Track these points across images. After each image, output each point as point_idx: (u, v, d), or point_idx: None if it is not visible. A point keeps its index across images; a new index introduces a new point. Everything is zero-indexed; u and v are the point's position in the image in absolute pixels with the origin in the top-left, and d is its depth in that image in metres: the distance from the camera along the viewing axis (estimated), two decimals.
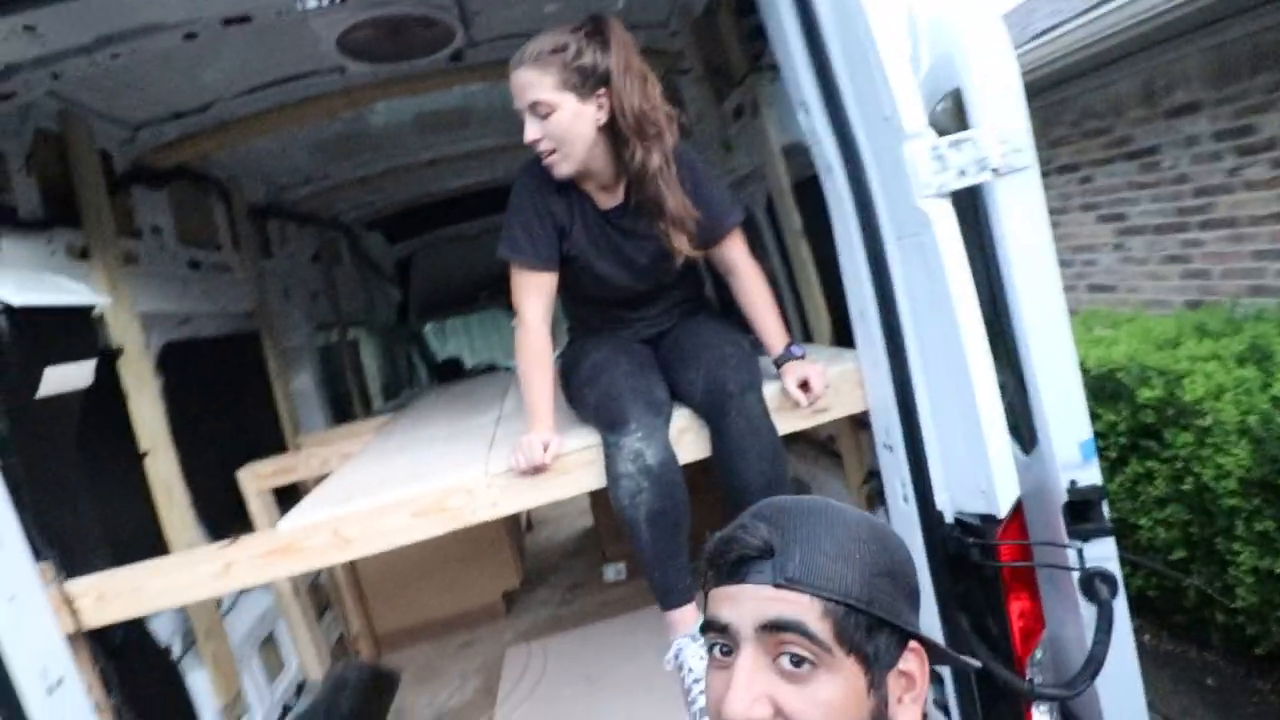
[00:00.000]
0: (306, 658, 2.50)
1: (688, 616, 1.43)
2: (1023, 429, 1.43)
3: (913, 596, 0.67)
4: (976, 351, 1.24)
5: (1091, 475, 1.37)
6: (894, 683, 0.63)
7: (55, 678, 1.25)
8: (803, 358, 1.51)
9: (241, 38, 1.68)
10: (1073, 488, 1.36)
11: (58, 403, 1.47)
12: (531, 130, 1.36)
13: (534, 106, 1.35)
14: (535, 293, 1.49)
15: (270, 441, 2.72)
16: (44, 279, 1.53)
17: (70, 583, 1.33)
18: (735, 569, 0.63)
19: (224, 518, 2.27)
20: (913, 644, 0.65)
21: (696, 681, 1.38)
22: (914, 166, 1.21)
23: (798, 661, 0.59)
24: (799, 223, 1.79)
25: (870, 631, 0.61)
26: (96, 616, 1.34)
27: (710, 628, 0.64)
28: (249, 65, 1.88)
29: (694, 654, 1.40)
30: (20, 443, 1.34)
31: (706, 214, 1.46)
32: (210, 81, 1.92)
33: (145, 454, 1.84)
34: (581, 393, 1.53)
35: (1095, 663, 1.27)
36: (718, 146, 2.18)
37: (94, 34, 1.35)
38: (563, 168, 1.40)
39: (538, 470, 1.39)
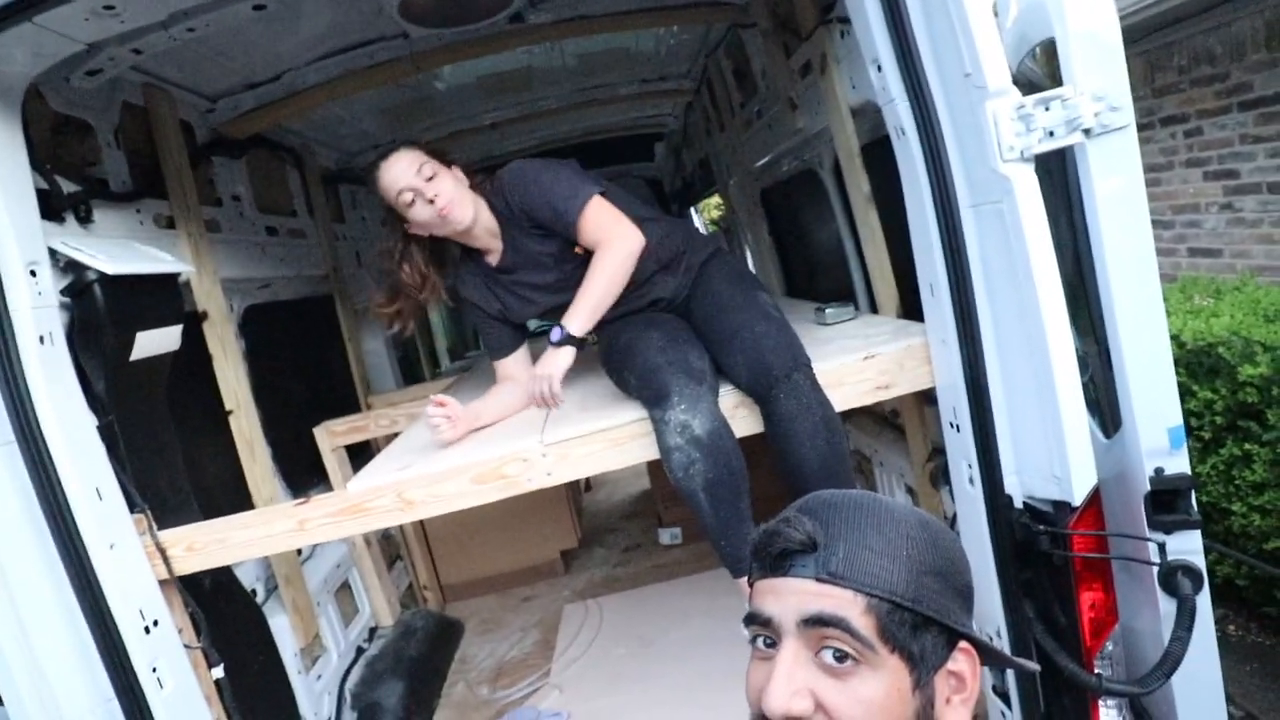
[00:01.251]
0: (378, 604, 2.65)
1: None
2: (1104, 410, 1.34)
3: (965, 596, 0.65)
4: (1056, 329, 1.16)
5: (1179, 464, 1.28)
6: (942, 683, 0.62)
7: (151, 619, 1.36)
8: (557, 344, 1.55)
9: (308, 7, 1.71)
10: (1158, 476, 1.27)
11: (149, 365, 1.57)
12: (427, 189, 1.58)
13: (420, 170, 1.57)
14: (501, 372, 1.80)
15: (344, 400, 2.85)
16: (134, 248, 1.62)
17: (163, 533, 1.44)
18: (779, 562, 0.62)
19: (301, 472, 2.41)
20: (963, 644, 0.63)
21: None
22: (996, 127, 1.12)
23: (840, 657, 0.58)
24: (867, 188, 1.70)
25: (916, 630, 0.59)
26: (186, 565, 1.45)
27: (753, 620, 0.63)
28: (316, 34, 1.91)
29: None
30: (117, 403, 1.45)
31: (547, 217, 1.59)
32: (281, 51, 1.96)
33: (230, 412, 1.96)
34: (622, 375, 1.55)
35: (1171, 661, 1.20)
36: (782, 105, 2.09)
37: (168, 10, 1.39)
38: (461, 210, 1.59)
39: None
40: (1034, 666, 0.77)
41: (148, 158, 1.82)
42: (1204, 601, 1.27)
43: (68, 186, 1.49)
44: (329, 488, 2.49)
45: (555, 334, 1.56)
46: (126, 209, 1.69)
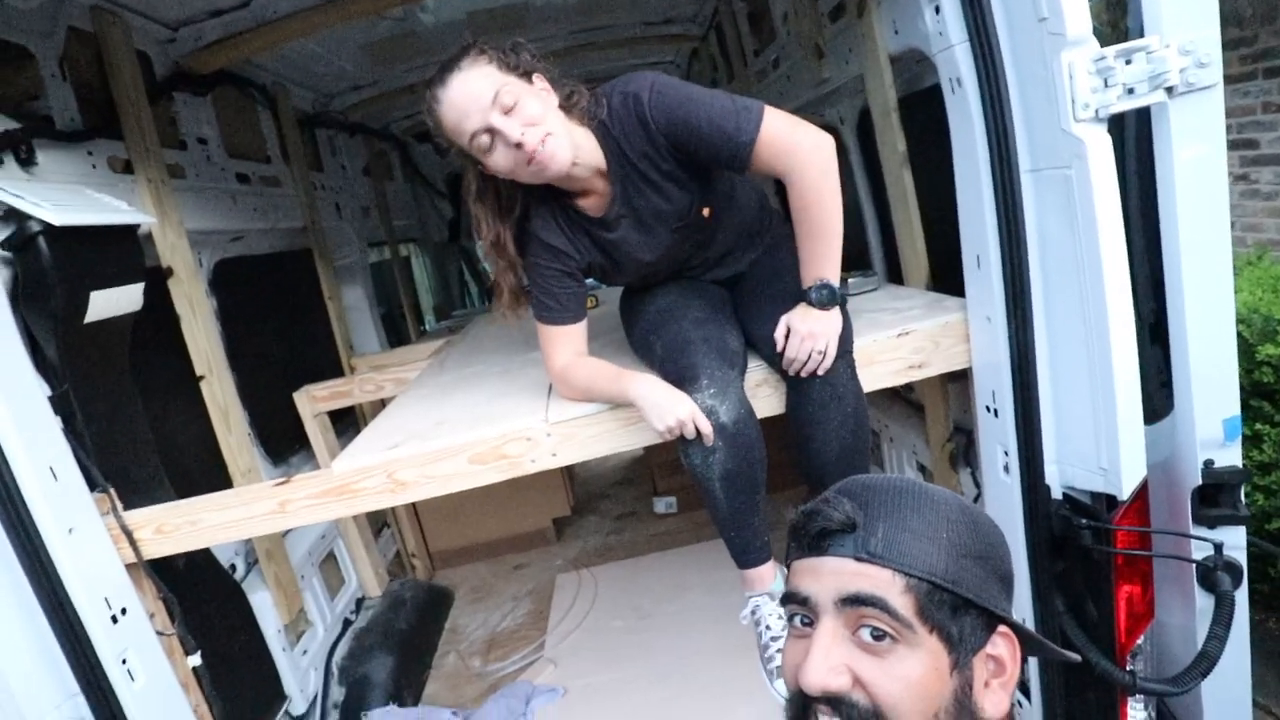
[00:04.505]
0: (365, 575, 2.56)
1: (765, 574, 1.34)
2: (1153, 397, 1.25)
3: (1005, 582, 0.65)
4: (1120, 312, 1.06)
5: (1232, 456, 1.20)
6: (981, 666, 0.62)
7: (119, 607, 1.25)
8: (823, 307, 1.23)
9: None
10: (1208, 469, 1.20)
11: (108, 327, 1.41)
12: (510, 129, 1.14)
13: (497, 99, 1.14)
14: (564, 342, 1.34)
15: (325, 362, 2.70)
16: (86, 195, 1.44)
17: (129, 514, 1.31)
18: (817, 542, 0.62)
19: (281, 440, 2.27)
20: (1003, 629, 0.63)
21: (774, 639, 1.32)
22: (1071, 81, 0.99)
23: (878, 635, 0.58)
24: (902, 146, 1.56)
25: (955, 611, 0.59)
26: (156, 548, 1.33)
27: (791, 599, 0.64)
28: None
29: (771, 612, 1.35)
30: (71, 370, 1.30)
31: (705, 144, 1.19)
32: None
33: (201, 378, 1.81)
34: (647, 340, 1.39)
35: (1208, 661, 1.15)
36: (806, 53, 1.92)
37: None
38: (559, 154, 1.17)
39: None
40: (1075, 658, 0.74)
41: (99, 92, 1.62)
42: (1240, 598, 1.21)
43: (4, 124, 1.31)
44: (311, 455, 2.36)
45: (819, 294, 1.22)
46: (76, 150, 1.51)
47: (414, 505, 3.02)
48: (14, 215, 1.22)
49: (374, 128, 3.46)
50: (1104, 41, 1.02)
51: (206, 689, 1.43)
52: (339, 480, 1.31)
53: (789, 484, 2.60)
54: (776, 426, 1.34)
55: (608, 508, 3.48)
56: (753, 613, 1.35)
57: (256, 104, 2.44)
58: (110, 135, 1.61)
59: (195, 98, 2.04)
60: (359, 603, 2.51)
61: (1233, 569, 1.21)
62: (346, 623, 2.38)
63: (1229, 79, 3.36)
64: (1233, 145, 3.44)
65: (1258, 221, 3.40)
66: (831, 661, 0.58)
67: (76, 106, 1.54)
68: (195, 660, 1.41)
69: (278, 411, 2.26)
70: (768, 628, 1.32)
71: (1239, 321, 2.20)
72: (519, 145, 1.14)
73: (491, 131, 1.15)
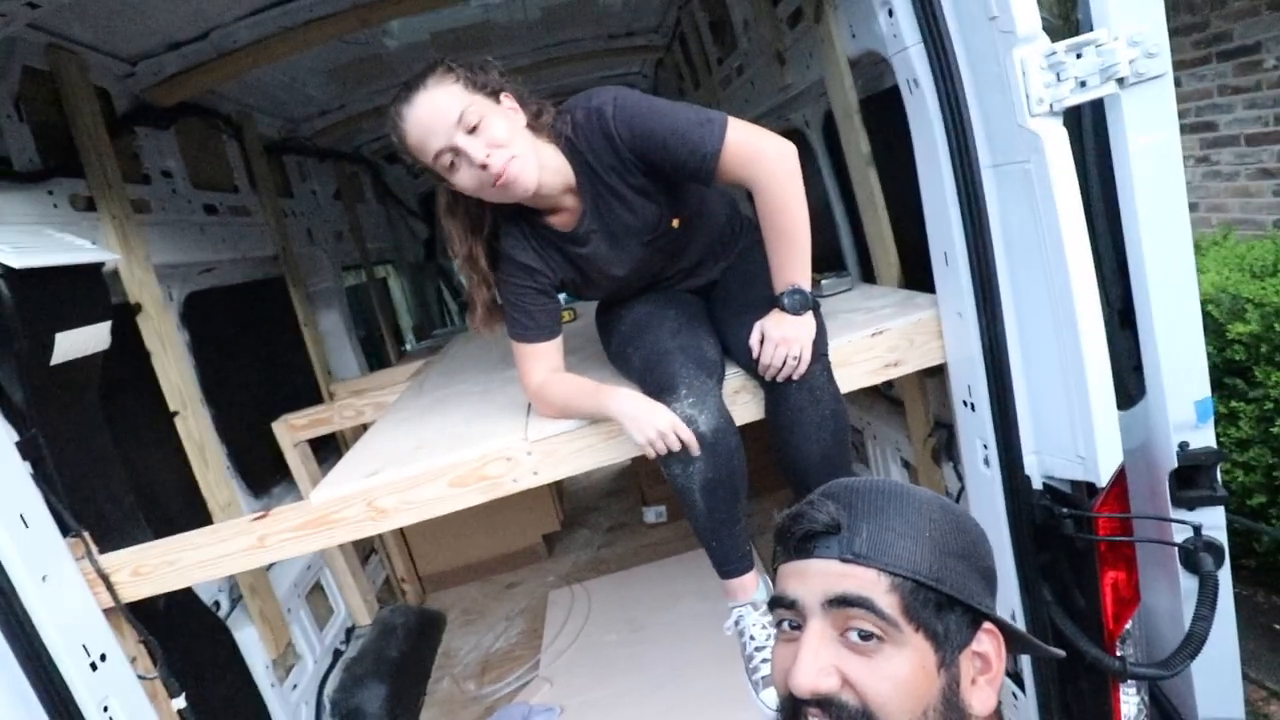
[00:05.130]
0: (353, 603, 2.52)
1: (747, 583, 1.34)
2: (1125, 383, 1.26)
3: (988, 579, 0.65)
4: (1086, 301, 1.07)
5: (1205, 437, 1.22)
6: (967, 663, 0.62)
7: (98, 654, 1.22)
8: (796, 313, 1.22)
9: None
10: (1184, 451, 1.21)
11: (76, 368, 1.39)
12: (475, 150, 1.13)
13: (462, 119, 1.12)
14: (539, 359, 1.33)
15: (303, 390, 2.67)
16: (47, 236, 1.42)
17: (104, 557, 1.28)
18: (802, 545, 0.62)
19: (262, 471, 2.24)
20: (988, 626, 0.63)
21: (759, 649, 1.31)
22: (1025, 77, 1.01)
23: (865, 636, 0.58)
24: (867, 147, 1.57)
25: (940, 609, 0.60)
26: (134, 591, 1.30)
27: (778, 603, 0.64)
28: None
29: (754, 622, 1.34)
30: (38, 414, 1.27)
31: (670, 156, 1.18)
32: (206, 6, 1.74)
33: (175, 414, 1.78)
34: (624, 351, 1.39)
35: (1196, 642, 1.16)
36: (767, 59, 1.94)
37: None
38: (525, 176, 1.16)
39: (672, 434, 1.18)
40: (1059, 653, 0.73)
41: (58, 130, 1.60)
42: (1224, 577, 1.23)
43: None
44: (294, 486, 2.33)
45: (791, 299, 1.22)
46: (35, 191, 1.48)
47: (401, 529, 2.99)
48: None
49: (343, 151, 3.44)
50: (1058, 35, 1.04)
51: None
52: (318, 511, 1.29)
53: (774, 487, 2.60)
54: (759, 430, 1.34)
55: (597, 520, 3.46)
56: (736, 623, 1.35)
57: (222, 134, 2.41)
58: (71, 174, 1.59)
59: (158, 131, 2.01)
60: (349, 632, 2.47)
61: (1214, 549, 1.23)
62: (337, 654, 2.34)
63: (1184, 64, 3.44)
64: (1192, 129, 3.51)
65: (1221, 202, 3.47)
66: (820, 663, 0.58)
67: (35, 146, 1.52)
68: (180, 703, 1.38)
69: (257, 443, 2.23)
70: (752, 638, 1.31)
71: (1208, 302, 2.25)
72: (484, 167, 1.13)
73: (456, 151, 1.13)
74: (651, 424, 1.18)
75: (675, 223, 1.33)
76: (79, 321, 1.38)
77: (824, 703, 0.58)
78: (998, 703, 0.65)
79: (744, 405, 1.35)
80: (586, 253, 1.31)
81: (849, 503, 0.63)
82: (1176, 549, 1.23)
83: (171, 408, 1.77)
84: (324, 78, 2.52)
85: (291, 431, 2.26)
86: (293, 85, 2.49)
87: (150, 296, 1.72)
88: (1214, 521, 1.24)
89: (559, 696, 2.22)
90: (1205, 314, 2.25)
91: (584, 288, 1.40)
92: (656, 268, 1.41)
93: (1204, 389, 1.19)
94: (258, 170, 2.53)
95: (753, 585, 1.34)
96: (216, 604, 1.83)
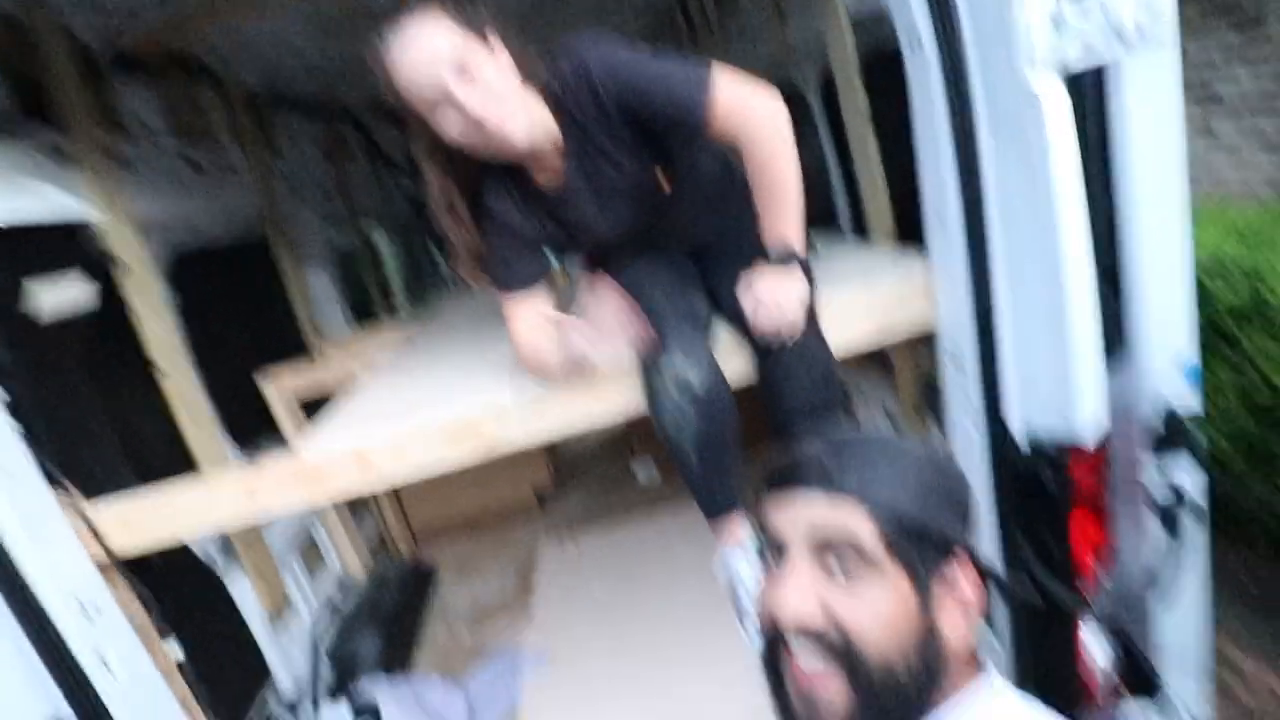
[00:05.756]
0: (347, 556, 2.55)
1: (735, 525, 1.35)
2: (1112, 346, 1.27)
3: (965, 516, 0.66)
4: (1078, 266, 1.08)
5: (1189, 399, 1.23)
6: (946, 599, 0.63)
7: (92, 606, 1.23)
8: (787, 271, 1.19)
9: None
10: (1167, 411, 1.23)
11: (59, 323, 1.37)
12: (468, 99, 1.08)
13: (454, 60, 1.07)
14: (521, 309, 1.29)
15: (293, 348, 2.65)
16: (24, 186, 1.39)
17: (92, 507, 1.28)
18: (786, 479, 0.64)
19: (252, 430, 2.24)
20: (967, 563, 0.64)
21: (748, 591, 1.34)
22: (1027, 35, 0.99)
23: (847, 568, 0.60)
24: (865, 106, 1.55)
25: (921, 546, 0.61)
26: (124, 543, 1.30)
27: (762, 537, 0.66)
28: None
29: (743, 563, 1.36)
30: (26, 369, 1.26)
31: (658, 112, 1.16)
32: None
33: (162, 371, 1.77)
34: None
35: (1167, 592, 1.20)
36: (769, 15, 1.89)
37: None
38: (516, 132, 1.12)
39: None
40: (1033, 595, 0.74)
41: (35, 83, 1.54)
42: (1201, 537, 1.26)
43: None
44: (285, 445, 2.33)
45: (781, 256, 1.18)
46: (12, 143, 1.44)
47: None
48: None
49: (331, 107, 3.36)
50: None
51: (190, 678, 1.42)
52: (308, 463, 1.29)
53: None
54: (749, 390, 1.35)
55: (589, 474, 3.48)
56: (725, 563, 1.37)
57: (205, 88, 2.35)
58: (47, 124, 1.54)
59: (137, 83, 1.95)
60: (343, 585, 2.51)
61: (1191, 508, 1.25)
62: (331, 606, 2.38)
63: (1191, 33, 3.39)
64: (1197, 100, 3.47)
65: (1224, 175, 3.45)
66: (804, 594, 0.60)
67: (11, 98, 1.47)
68: (178, 655, 1.39)
69: (247, 401, 2.22)
70: (740, 579, 1.34)
71: (1199, 267, 2.25)
72: (478, 120, 1.09)
73: (447, 96, 1.08)
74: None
75: (663, 181, 1.30)
76: (55, 272, 1.36)
77: (808, 633, 0.59)
78: (975, 637, 0.65)
79: (739, 366, 1.35)
80: (571, 211, 1.28)
81: (834, 440, 0.65)
82: (1154, 506, 1.26)
83: (157, 363, 1.76)
84: (308, 28, 2.43)
85: (280, 388, 2.25)
86: (277, 36, 2.41)
87: (133, 253, 1.69)
88: (1193, 481, 1.26)
89: (552, 644, 2.27)
90: (1197, 281, 2.26)
91: (568, 245, 1.38)
92: (643, 227, 1.38)
93: (1191, 352, 1.20)
94: (243, 126, 2.47)
95: (740, 526, 1.36)
96: (211, 560, 1.84)
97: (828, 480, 0.61)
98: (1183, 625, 1.30)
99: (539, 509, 3.24)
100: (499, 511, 3.19)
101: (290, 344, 2.67)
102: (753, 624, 1.31)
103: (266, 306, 2.61)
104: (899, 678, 0.58)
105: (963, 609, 0.63)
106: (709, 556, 1.43)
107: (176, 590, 1.53)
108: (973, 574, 0.65)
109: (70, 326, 1.40)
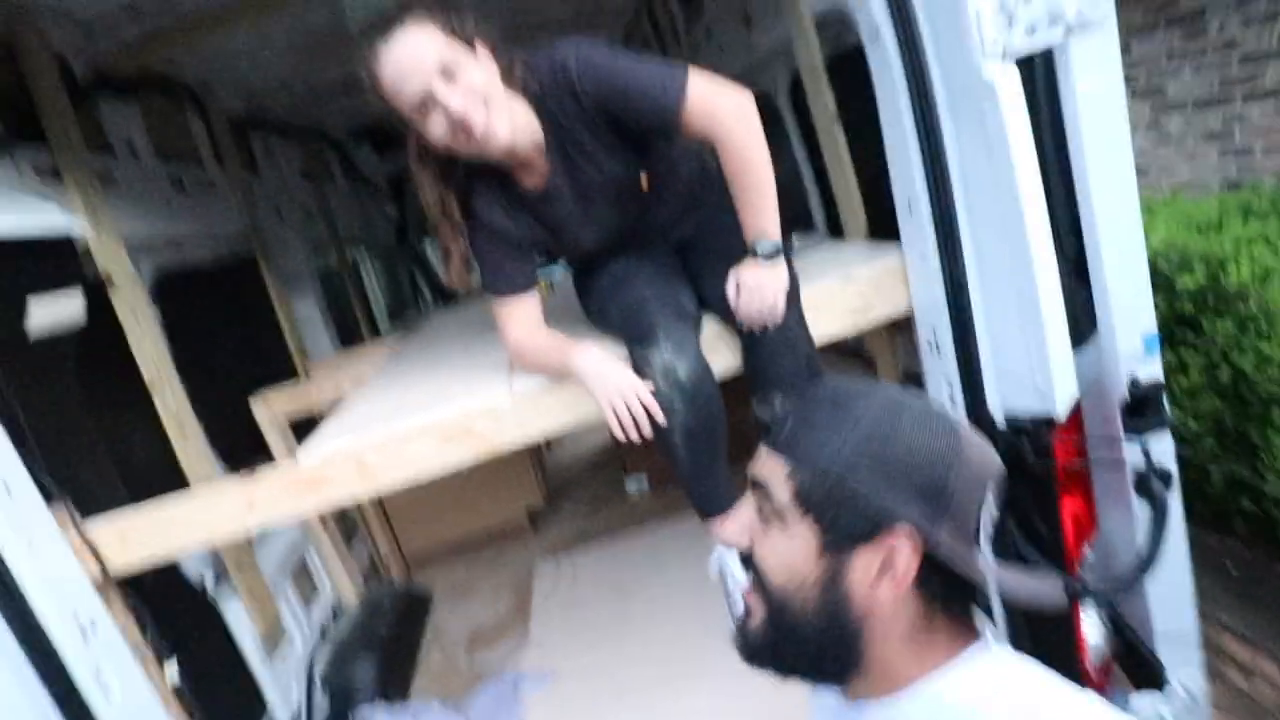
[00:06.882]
0: (339, 582, 2.53)
1: (729, 524, 1.38)
2: (1079, 321, 1.33)
3: (925, 491, 0.63)
4: (1040, 242, 1.13)
5: (1153, 370, 1.29)
6: (863, 560, 0.64)
7: (89, 622, 1.22)
8: (769, 260, 1.25)
9: None
10: (1133, 382, 1.29)
11: (52, 342, 1.37)
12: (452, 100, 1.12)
13: (439, 63, 1.11)
14: (516, 313, 1.34)
15: (280, 369, 2.65)
16: (12, 203, 1.40)
17: (89, 524, 1.28)
18: (766, 432, 0.71)
19: (241, 449, 2.23)
20: (901, 529, 0.63)
21: (740, 587, 1.35)
22: (978, 24, 1.05)
23: (765, 515, 0.68)
24: (832, 105, 1.61)
25: (839, 504, 0.63)
26: (121, 556, 1.30)
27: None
28: None
29: (735, 561, 1.37)
30: (19, 385, 1.26)
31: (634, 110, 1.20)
32: None
33: (152, 387, 1.77)
34: (603, 307, 1.42)
35: (1146, 560, 1.24)
36: (736, 22, 1.97)
37: None
38: (501, 133, 1.15)
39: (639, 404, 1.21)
40: (994, 569, 0.67)
41: (19, 100, 1.56)
42: (1175, 503, 1.31)
43: None
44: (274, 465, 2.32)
45: (763, 248, 1.23)
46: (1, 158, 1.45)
47: (383, 507, 2.99)
48: None
49: (310, 129, 3.39)
50: None
51: (187, 699, 1.41)
52: (306, 470, 1.30)
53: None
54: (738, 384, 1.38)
55: (581, 493, 3.49)
56: (719, 564, 1.38)
57: (185, 107, 2.37)
58: (36, 142, 1.56)
59: (120, 101, 1.97)
60: (336, 611, 2.48)
61: (1163, 474, 1.30)
62: (325, 633, 2.35)
63: (1135, 29, 3.55)
64: (1143, 94, 3.63)
65: (1172, 165, 3.60)
66: (739, 525, 0.73)
67: None
68: (174, 677, 1.38)
69: (236, 421, 2.22)
70: (732, 576, 1.36)
71: (1158, 256, 2.35)
72: (462, 121, 1.13)
73: (432, 98, 1.12)
74: (616, 385, 1.20)
75: (643, 180, 1.34)
76: (50, 290, 1.37)
77: (746, 560, 0.71)
78: (895, 604, 0.64)
79: (721, 357, 1.39)
80: (555, 211, 1.32)
81: (806, 398, 0.70)
82: (1130, 476, 1.31)
83: (148, 382, 1.76)
84: (288, 50, 2.48)
85: (270, 408, 2.25)
86: (256, 57, 2.45)
87: (120, 270, 1.70)
88: (1163, 448, 1.31)
89: (551, 663, 2.25)
90: (1155, 269, 2.35)
91: (555, 247, 1.41)
92: (627, 225, 1.43)
93: (1151, 324, 1.26)
94: (223, 145, 2.49)
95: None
96: (202, 578, 1.82)
97: (771, 437, 0.69)
98: (1170, 598, 1.34)
99: (532, 529, 3.23)
100: (491, 533, 3.17)
101: (277, 366, 2.67)
102: None
103: (253, 327, 2.61)
104: (796, 617, 0.66)
105: (887, 575, 0.63)
106: (701, 565, 1.44)
107: (171, 617, 1.51)
108: (906, 546, 0.63)
109: (61, 343, 1.40)
